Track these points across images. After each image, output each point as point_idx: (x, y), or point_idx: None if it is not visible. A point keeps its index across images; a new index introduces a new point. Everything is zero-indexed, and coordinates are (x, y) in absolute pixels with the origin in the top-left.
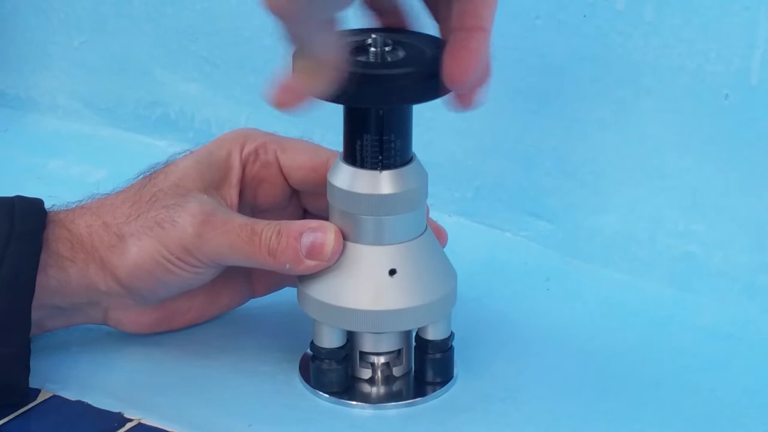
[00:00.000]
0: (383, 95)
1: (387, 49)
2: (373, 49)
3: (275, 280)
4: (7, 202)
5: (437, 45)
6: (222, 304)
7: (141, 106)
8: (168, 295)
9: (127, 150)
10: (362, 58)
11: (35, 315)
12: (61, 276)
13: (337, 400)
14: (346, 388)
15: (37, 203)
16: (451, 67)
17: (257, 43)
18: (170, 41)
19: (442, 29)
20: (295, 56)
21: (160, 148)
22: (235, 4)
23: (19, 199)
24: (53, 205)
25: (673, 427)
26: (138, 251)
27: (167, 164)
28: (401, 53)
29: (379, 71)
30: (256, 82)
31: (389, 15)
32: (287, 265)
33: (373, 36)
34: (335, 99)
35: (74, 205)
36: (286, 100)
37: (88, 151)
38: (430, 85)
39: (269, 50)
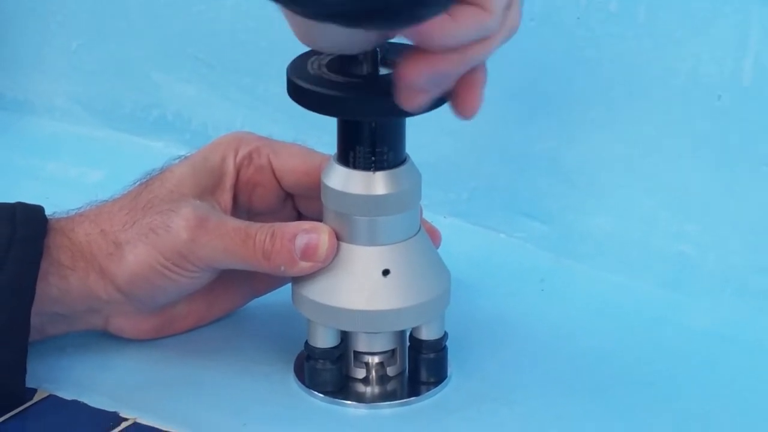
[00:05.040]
0: (376, 108)
1: (380, 61)
2: (365, 63)
3: (276, 277)
4: (8, 207)
5: None
6: (222, 307)
7: (138, 108)
8: (168, 301)
9: (124, 152)
10: (355, 71)
11: (36, 321)
12: (61, 284)
13: (332, 399)
14: (341, 387)
15: (38, 210)
16: (460, 104)
17: (253, 46)
18: (167, 43)
19: None
20: None
21: (157, 149)
22: (231, 6)
23: (21, 205)
24: (54, 212)
25: (665, 427)
26: (134, 258)
27: (163, 171)
28: (393, 67)
29: (372, 84)
30: (252, 83)
31: None
32: (282, 267)
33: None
34: (328, 112)
35: (73, 213)
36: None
37: (86, 153)
38: None
39: (265, 52)
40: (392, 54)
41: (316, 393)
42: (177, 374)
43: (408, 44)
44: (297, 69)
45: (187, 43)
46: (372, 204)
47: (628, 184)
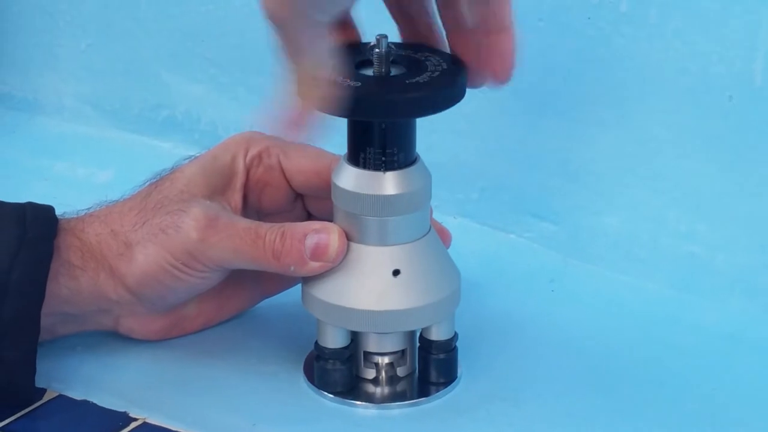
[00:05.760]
0: (386, 109)
1: (390, 62)
2: (376, 63)
3: (286, 278)
4: (18, 207)
5: (440, 57)
6: (231, 308)
7: (147, 108)
8: (178, 301)
9: (133, 152)
10: (366, 72)
11: (46, 321)
12: (72, 285)
13: (342, 399)
14: (350, 388)
15: (49, 210)
16: (492, 68)
17: (262, 45)
18: (176, 43)
19: (449, 32)
20: (293, 73)
21: (166, 149)
22: (240, 6)
23: (31, 206)
24: (63, 212)
25: (674, 426)
26: (144, 258)
27: (173, 171)
28: (403, 67)
29: (382, 85)
30: (261, 83)
31: (417, 28)
32: (292, 267)
33: (376, 50)
34: (340, 113)
35: (83, 213)
36: (289, 130)
37: (94, 153)
38: (433, 99)
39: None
40: (401, 55)
41: (325, 393)
42: (187, 374)
43: (412, 42)
44: None
45: (196, 43)
46: (382, 204)
47: (638, 184)
